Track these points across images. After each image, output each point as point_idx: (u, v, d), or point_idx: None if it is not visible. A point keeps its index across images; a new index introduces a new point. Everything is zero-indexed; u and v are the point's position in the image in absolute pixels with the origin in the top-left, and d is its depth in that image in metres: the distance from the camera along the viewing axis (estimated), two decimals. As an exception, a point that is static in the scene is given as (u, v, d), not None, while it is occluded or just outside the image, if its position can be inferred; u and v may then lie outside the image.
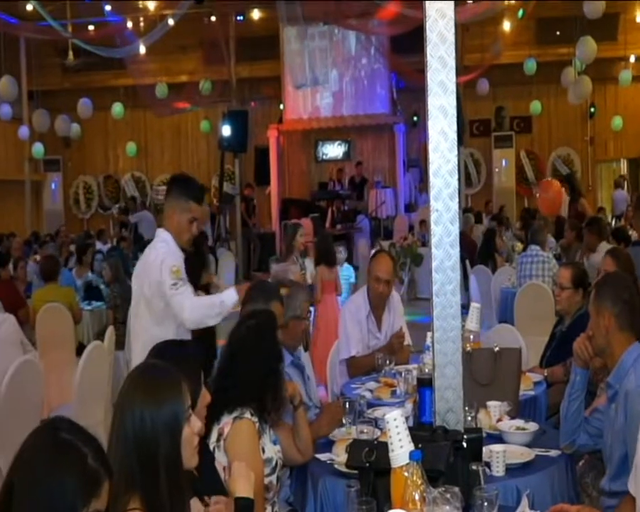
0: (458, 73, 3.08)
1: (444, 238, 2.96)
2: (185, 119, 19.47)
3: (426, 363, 3.71)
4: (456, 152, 2.98)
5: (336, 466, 3.12)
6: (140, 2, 15.51)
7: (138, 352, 3.86)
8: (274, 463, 3.00)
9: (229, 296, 3.97)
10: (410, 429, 2.57)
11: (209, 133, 18.69)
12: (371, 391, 4.25)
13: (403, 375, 4.18)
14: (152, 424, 2.04)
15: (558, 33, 16.49)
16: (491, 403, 3.55)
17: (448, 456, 2.58)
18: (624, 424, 2.90)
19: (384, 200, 16.74)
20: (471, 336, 4.22)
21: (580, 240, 8.64)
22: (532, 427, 3.41)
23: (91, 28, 15.77)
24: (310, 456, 3.27)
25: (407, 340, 5.12)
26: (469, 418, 3.15)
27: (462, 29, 15.46)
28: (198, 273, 5.98)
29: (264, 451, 2.97)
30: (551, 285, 7.25)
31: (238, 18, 17.38)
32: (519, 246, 10.38)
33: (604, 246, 7.79)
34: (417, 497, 2.22)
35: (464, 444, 2.70)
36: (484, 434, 3.07)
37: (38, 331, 6.91)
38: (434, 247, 2.96)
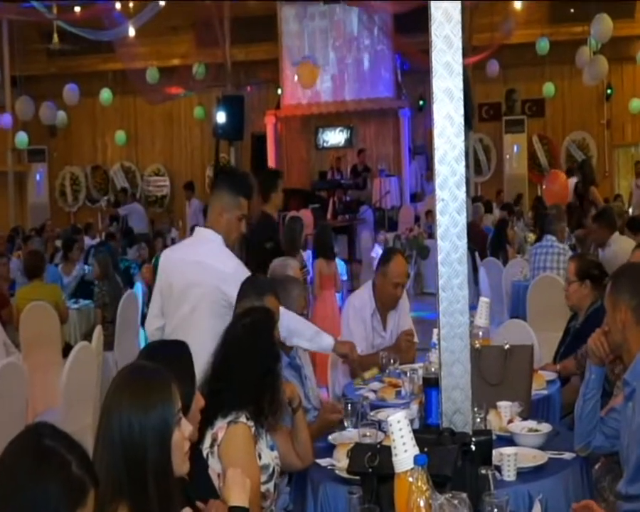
0: (466, 54, 3.08)
1: (450, 229, 2.95)
2: (178, 106, 19.46)
3: (432, 362, 3.71)
4: (462, 138, 2.97)
5: (337, 471, 3.12)
6: (128, -19, 15.51)
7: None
8: (271, 469, 3.00)
9: (327, 336, 4.19)
10: (416, 431, 2.56)
11: (203, 120, 18.68)
12: (375, 392, 4.25)
13: (408, 374, 4.18)
14: (140, 429, 2.04)
15: (572, 10, 16.44)
16: (501, 403, 3.55)
17: (455, 460, 2.58)
18: (642, 424, 2.90)
19: (388, 189, 16.73)
20: (480, 333, 4.22)
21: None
22: (545, 428, 3.41)
23: (77, 9, 15.73)
24: (310, 462, 3.27)
25: (414, 338, 5.13)
26: (478, 419, 3.15)
27: (470, 7, 15.42)
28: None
29: (260, 458, 2.96)
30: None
31: (233, -4, 17.36)
32: (531, 237, 10.37)
33: (617, 237, 7.78)
34: (422, 504, 2.22)
35: (473, 447, 2.69)
36: (494, 437, 3.07)
37: (21, 331, 6.91)
38: (440, 238, 2.96)
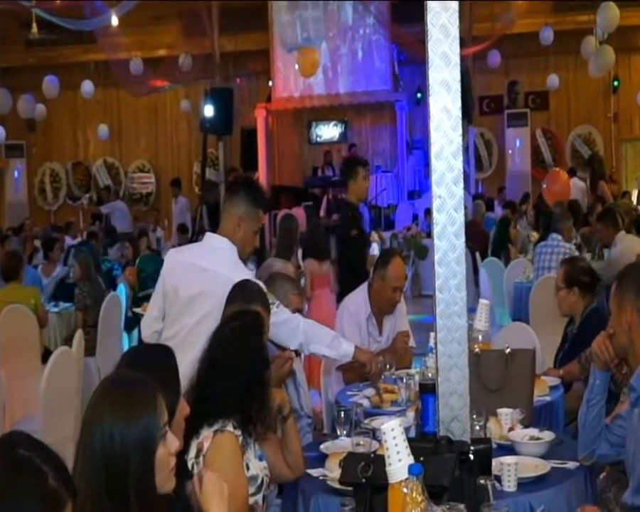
0: (465, 44, 3.09)
1: (447, 227, 2.96)
2: (164, 99, 19.43)
3: (429, 367, 3.72)
4: (460, 131, 2.98)
5: (329, 482, 3.12)
6: (111, -32, 15.47)
7: None
8: (259, 481, 3.00)
9: (346, 342, 4.22)
10: (412, 440, 2.57)
11: (190, 113, 18.66)
12: (369, 399, 4.25)
13: (405, 380, 4.19)
14: (121, 440, 2.04)
15: (577, -2, 16.49)
16: (501, 410, 3.56)
17: (453, 469, 2.58)
18: (649, 431, 2.90)
19: (384, 186, 16.74)
20: (480, 336, 4.24)
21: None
22: (548, 436, 3.42)
23: (57, -4, 15.71)
24: (301, 472, 3.27)
25: (410, 341, 5.13)
26: (477, 427, 3.15)
27: (470, -5, 15.46)
28: None
29: (248, 468, 2.96)
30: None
31: (221, -16, 17.35)
32: (535, 236, 10.40)
33: (623, 236, 7.81)
34: (417, 516, 2.22)
35: (471, 456, 2.70)
36: (494, 445, 3.08)
37: (-2, 335, 6.90)
38: (437, 237, 2.97)
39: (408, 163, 17.59)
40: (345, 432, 3.58)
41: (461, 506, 2.32)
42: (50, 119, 18.32)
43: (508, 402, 3.63)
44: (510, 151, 18.51)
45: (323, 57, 17.33)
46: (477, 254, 10.05)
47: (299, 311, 4.42)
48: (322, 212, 15.71)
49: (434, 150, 2.97)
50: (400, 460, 2.33)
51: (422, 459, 2.43)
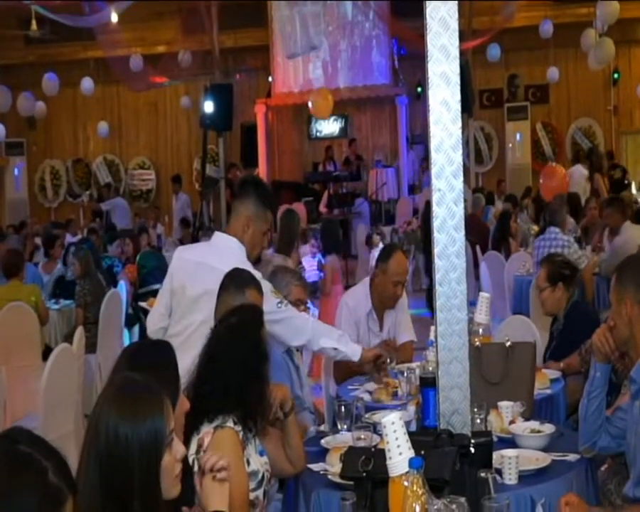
0: (465, 37, 3.08)
1: (447, 221, 2.96)
2: (163, 95, 19.42)
3: (429, 361, 3.72)
4: (459, 125, 2.98)
5: (329, 476, 3.12)
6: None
7: None
8: (260, 476, 3.00)
9: (354, 346, 4.20)
10: (412, 434, 2.57)
11: (189, 110, 18.65)
12: (370, 392, 4.25)
13: (405, 374, 4.18)
14: (128, 448, 2.04)
15: (577, -9, 16.46)
16: (502, 403, 3.56)
17: (453, 463, 2.58)
18: (649, 423, 2.90)
19: (385, 181, 16.73)
20: (481, 330, 4.24)
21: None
22: (549, 429, 3.42)
23: (56, -7, 15.70)
24: (302, 467, 3.27)
25: (411, 336, 5.14)
26: (478, 420, 3.15)
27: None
28: None
29: (249, 464, 2.95)
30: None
31: (220, -20, 17.32)
32: (535, 229, 10.39)
33: (628, 225, 7.82)
34: (417, 509, 2.22)
35: (472, 450, 2.70)
36: (495, 438, 3.08)
37: (-1, 333, 6.90)
38: (437, 230, 2.96)
39: (408, 158, 17.59)
40: (345, 427, 3.58)
41: (462, 499, 2.32)
42: (50, 116, 18.31)
43: (508, 395, 3.64)
44: (510, 145, 18.49)
45: (322, 53, 17.34)
46: (477, 248, 10.04)
47: (302, 301, 4.42)
48: (322, 208, 15.72)
49: (433, 143, 2.97)
50: (400, 453, 2.33)
51: (422, 452, 2.43)
